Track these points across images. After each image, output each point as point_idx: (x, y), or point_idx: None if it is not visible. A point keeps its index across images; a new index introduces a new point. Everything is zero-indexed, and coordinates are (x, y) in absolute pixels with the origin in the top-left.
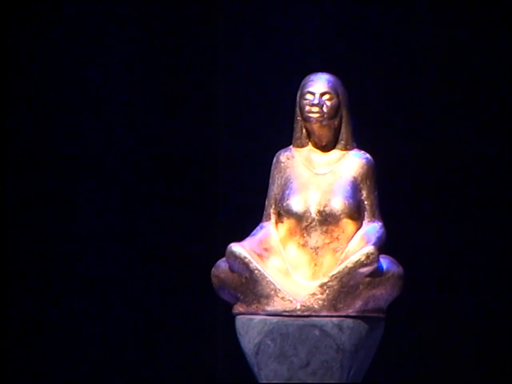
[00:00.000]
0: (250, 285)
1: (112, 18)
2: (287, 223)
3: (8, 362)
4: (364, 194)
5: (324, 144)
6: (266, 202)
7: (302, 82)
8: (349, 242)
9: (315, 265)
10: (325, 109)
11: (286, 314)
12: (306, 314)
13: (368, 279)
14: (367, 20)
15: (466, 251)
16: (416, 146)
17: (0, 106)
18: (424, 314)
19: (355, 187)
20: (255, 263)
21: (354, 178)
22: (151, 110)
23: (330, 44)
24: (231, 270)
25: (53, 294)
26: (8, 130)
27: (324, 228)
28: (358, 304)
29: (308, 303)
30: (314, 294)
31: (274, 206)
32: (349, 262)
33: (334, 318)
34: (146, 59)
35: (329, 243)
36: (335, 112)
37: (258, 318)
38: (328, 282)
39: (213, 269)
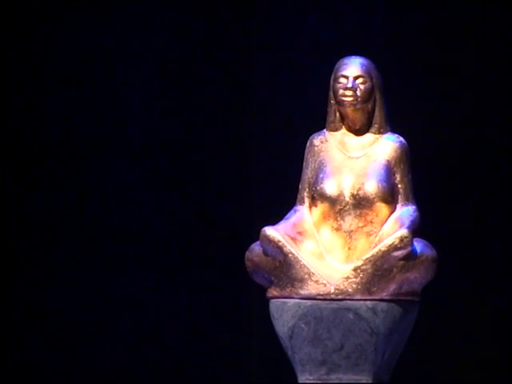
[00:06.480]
0: (283, 268)
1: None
2: (321, 207)
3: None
4: (398, 177)
5: (358, 127)
6: (300, 186)
7: (336, 66)
8: (382, 225)
9: (349, 248)
10: (358, 92)
11: (320, 297)
12: (339, 297)
13: (402, 263)
14: (404, 3)
15: (500, 234)
16: (449, 128)
17: (26, 90)
18: (458, 297)
19: (389, 171)
20: (289, 247)
21: (388, 161)
22: (186, 94)
23: (364, 27)
24: (265, 253)
25: (90, 278)
26: (36, 114)
27: (358, 211)
28: (392, 287)
29: (342, 287)
30: (347, 278)
31: (307, 190)
32: (382, 246)
33: (368, 302)
34: (179, 43)
35: (362, 227)
36: (369, 95)
37: (291, 301)
38: (362, 265)
39: (247, 252)
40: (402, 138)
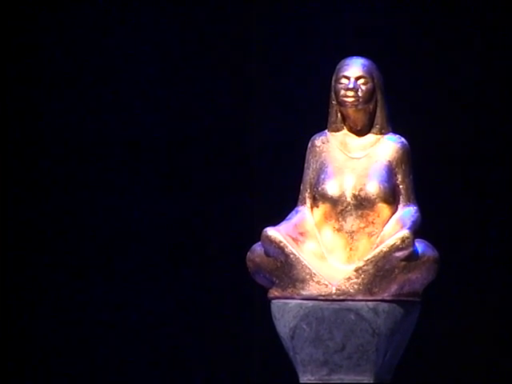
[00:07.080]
0: (285, 269)
1: None
2: (322, 207)
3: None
4: (399, 178)
5: (359, 128)
6: (302, 187)
7: (337, 66)
8: (384, 226)
9: (350, 249)
10: (360, 93)
11: (322, 298)
12: (341, 297)
13: (403, 263)
14: (404, 3)
15: (501, 234)
16: (451, 129)
17: (33, 93)
18: (459, 297)
19: (390, 171)
20: (290, 247)
21: (389, 162)
22: (186, 94)
23: (365, 27)
24: (267, 254)
25: (87, 283)
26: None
27: (359, 212)
28: (394, 288)
29: (343, 287)
30: (349, 278)
31: (309, 191)
32: (384, 246)
33: (370, 302)
34: (179, 42)
35: (364, 227)
36: (370, 96)
37: (293, 302)
38: (363, 266)
39: (248, 253)
40: (403, 139)
